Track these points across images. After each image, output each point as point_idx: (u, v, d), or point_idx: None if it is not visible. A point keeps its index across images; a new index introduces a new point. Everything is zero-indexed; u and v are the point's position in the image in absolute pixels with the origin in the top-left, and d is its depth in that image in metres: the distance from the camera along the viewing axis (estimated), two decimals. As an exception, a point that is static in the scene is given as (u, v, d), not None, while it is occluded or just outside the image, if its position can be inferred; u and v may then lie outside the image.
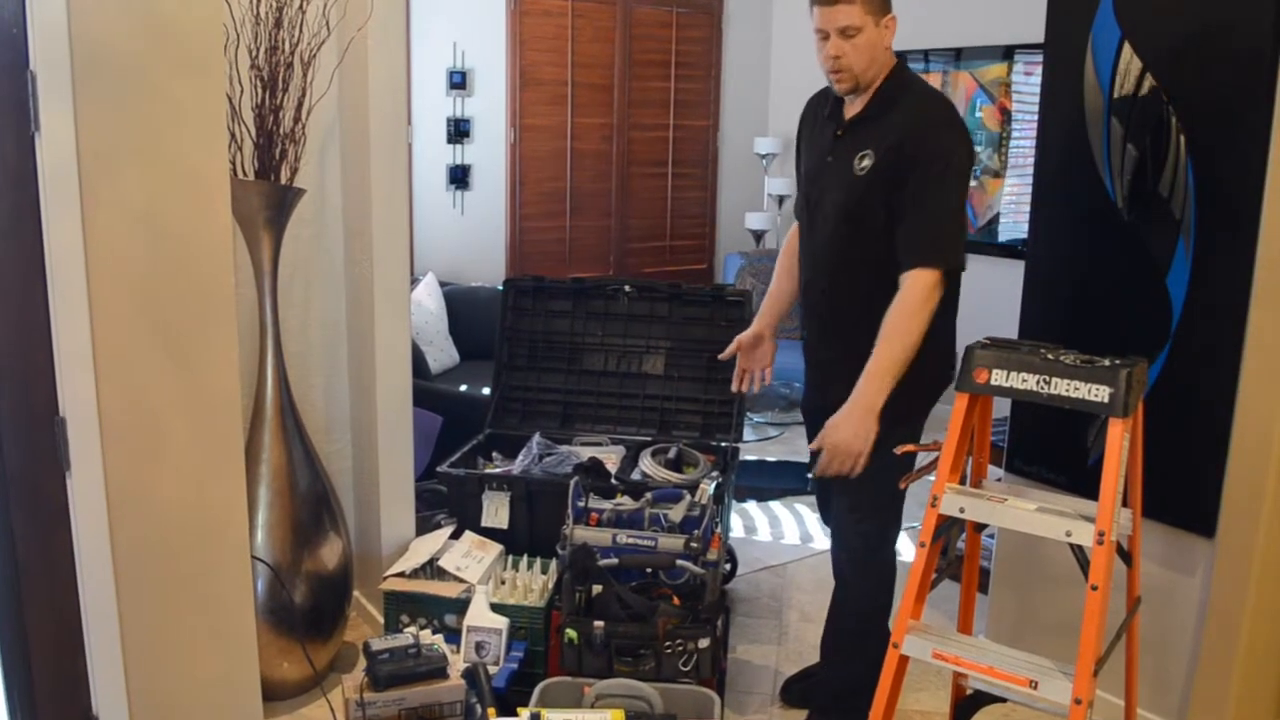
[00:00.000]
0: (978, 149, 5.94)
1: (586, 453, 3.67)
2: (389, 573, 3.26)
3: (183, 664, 2.43)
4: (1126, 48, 2.81)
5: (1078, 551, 2.36)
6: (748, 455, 5.24)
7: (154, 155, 2.21)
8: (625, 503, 3.18)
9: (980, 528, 2.70)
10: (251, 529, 2.97)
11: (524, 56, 6.36)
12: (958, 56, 6.00)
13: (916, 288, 2.58)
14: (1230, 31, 2.60)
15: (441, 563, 3.23)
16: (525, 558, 3.36)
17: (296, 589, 3.09)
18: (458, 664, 2.82)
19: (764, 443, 5.93)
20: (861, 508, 2.83)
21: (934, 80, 6.10)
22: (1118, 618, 2.51)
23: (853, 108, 2.73)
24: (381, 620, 3.29)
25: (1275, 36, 2.50)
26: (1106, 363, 2.24)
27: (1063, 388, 2.26)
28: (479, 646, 3.01)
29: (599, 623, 2.79)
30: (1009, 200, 5.87)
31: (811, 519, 4.68)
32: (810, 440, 2.89)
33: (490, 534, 3.40)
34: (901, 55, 2.71)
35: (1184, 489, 2.78)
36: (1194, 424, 2.74)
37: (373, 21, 3.13)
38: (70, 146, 2.09)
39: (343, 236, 3.49)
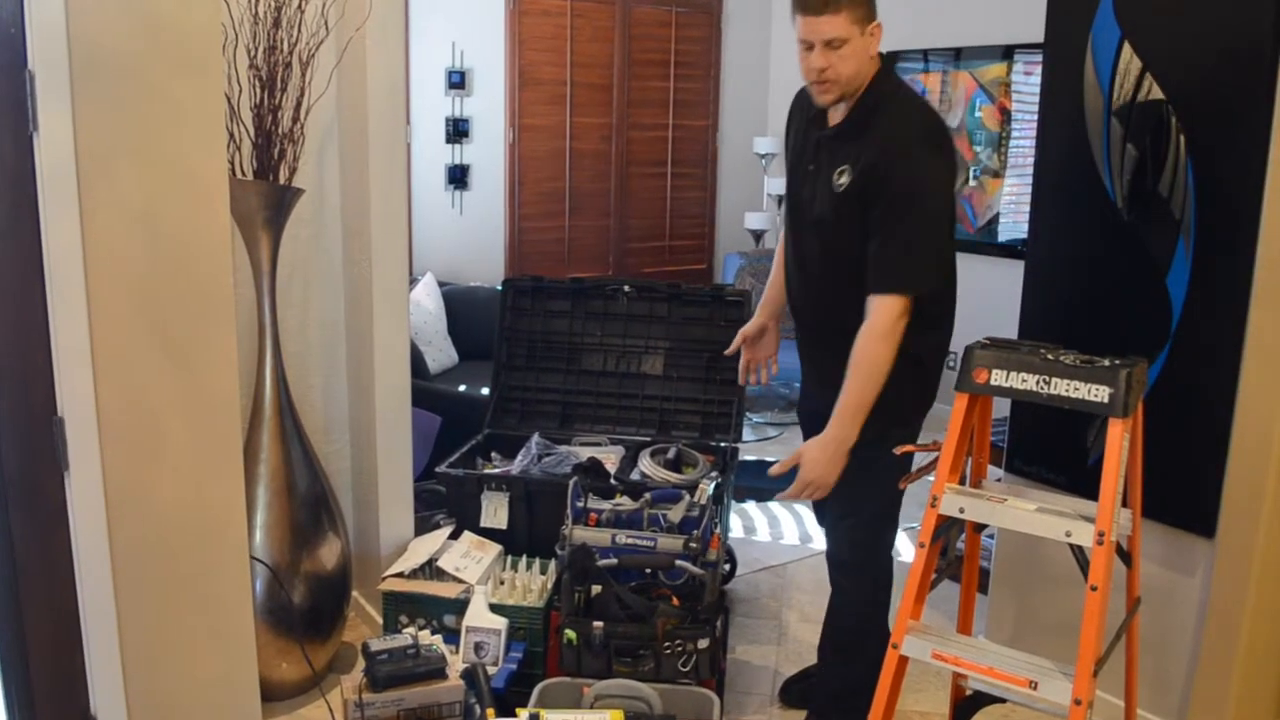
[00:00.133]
0: (977, 149, 5.94)
1: (585, 453, 3.67)
2: (388, 573, 3.26)
3: (181, 664, 2.43)
4: (1126, 48, 2.81)
5: (1077, 552, 2.36)
6: (747, 455, 5.23)
7: (152, 155, 2.20)
8: (624, 503, 3.18)
9: (980, 528, 2.69)
10: (250, 529, 2.96)
11: (523, 56, 6.36)
12: (957, 56, 5.99)
13: (882, 315, 2.56)
14: (1230, 31, 2.60)
15: (440, 563, 3.23)
16: (524, 558, 3.36)
17: (295, 589, 3.09)
18: (456, 664, 2.82)
19: (763, 443, 5.93)
20: (858, 511, 2.82)
21: (933, 80, 6.10)
22: (1117, 618, 2.50)
23: (835, 114, 2.70)
24: (380, 621, 3.28)
25: (1275, 36, 2.49)
26: (1106, 363, 2.24)
27: (1062, 388, 2.26)
28: (478, 647, 3.00)
29: (598, 623, 2.79)
30: (1009, 200, 5.87)
31: (811, 519, 4.68)
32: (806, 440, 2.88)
33: (489, 534, 3.40)
34: (891, 57, 2.70)
35: (1184, 489, 2.77)
36: (1194, 424, 2.74)
37: (371, 21, 3.13)
38: (68, 146, 2.08)
39: (341, 236, 3.49)
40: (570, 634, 2.82)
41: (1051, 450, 3.11)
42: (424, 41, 6.02)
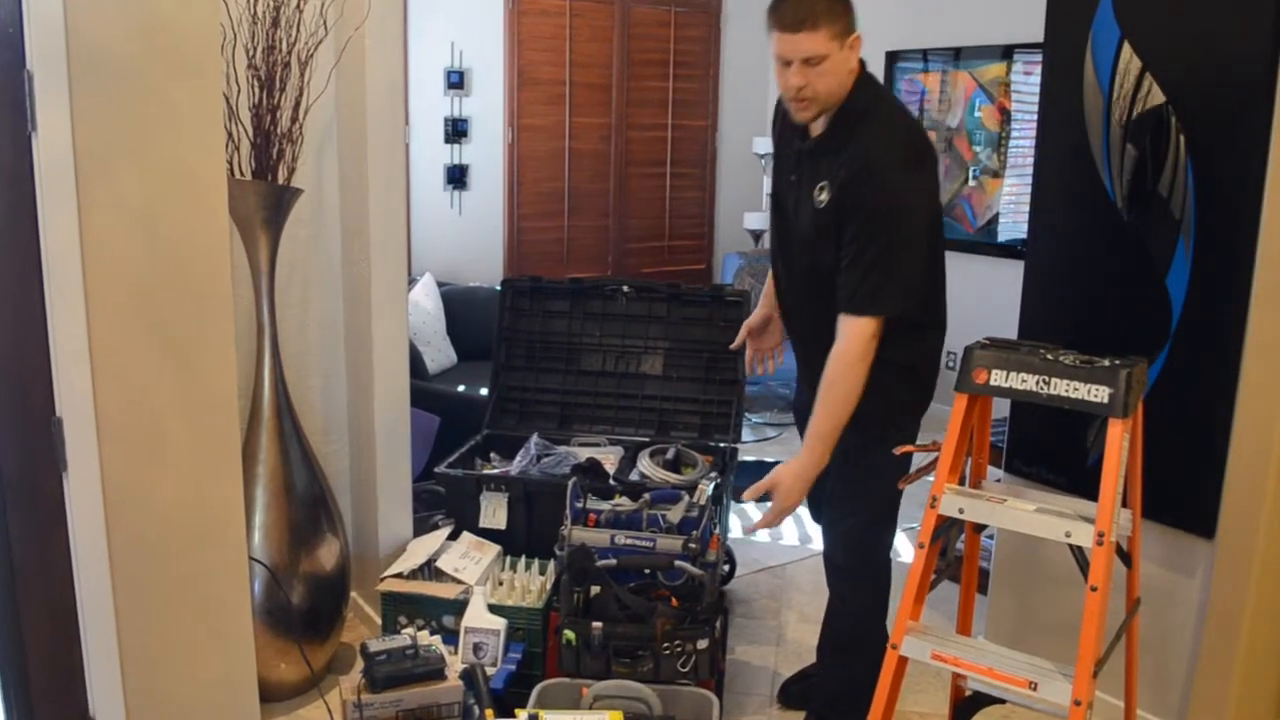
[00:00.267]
0: (977, 149, 5.93)
1: (584, 453, 3.66)
2: (386, 574, 3.25)
3: (180, 665, 2.43)
4: (1126, 47, 2.80)
5: (1077, 552, 2.36)
6: (746, 456, 5.23)
7: (151, 155, 2.20)
8: (623, 503, 3.17)
9: (979, 528, 2.69)
10: (249, 530, 2.96)
11: (522, 56, 6.36)
12: (957, 56, 5.99)
13: (853, 339, 2.55)
14: (1230, 31, 2.60)
15: (439, 564, 3.22)
16: (523, 559, 3.36)
17: (294, 590, 3.09)
18: (455, 665, 2.81)
19: (762, 443, 5.93)
20: (856, 513, 2.83)
21: (933, 80, 6.10)
22: (1117, 619, 2.50)
23: (816, 126, 2.66)
24: (379, 621, 3.28)
25: (1275, 36, 2.49)
26: (1106, 363, 2.24)
27: (1062, 388, 2.26)
28: (477, 648, 3.00)
29: (597, 624, 2.78)
30: (1008, 200, 5.87)
31: (810, 520, 4.67)
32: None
33: (488, 535, 3.40)
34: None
35: (1184, 489, 2.77)
36: (1194, 424, 2.73)
37: (370, 21, 3.13)
38: (67, 146, 2.08)
39: (340, 236, 3.48)
40: (569, 635, 2.81)
41: (1051, 451, 3.10)
42: (423, 41, 6.01)
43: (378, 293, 3.33)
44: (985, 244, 5.96)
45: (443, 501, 3.65)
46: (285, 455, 3.13)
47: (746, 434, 5.84)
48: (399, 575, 3.23)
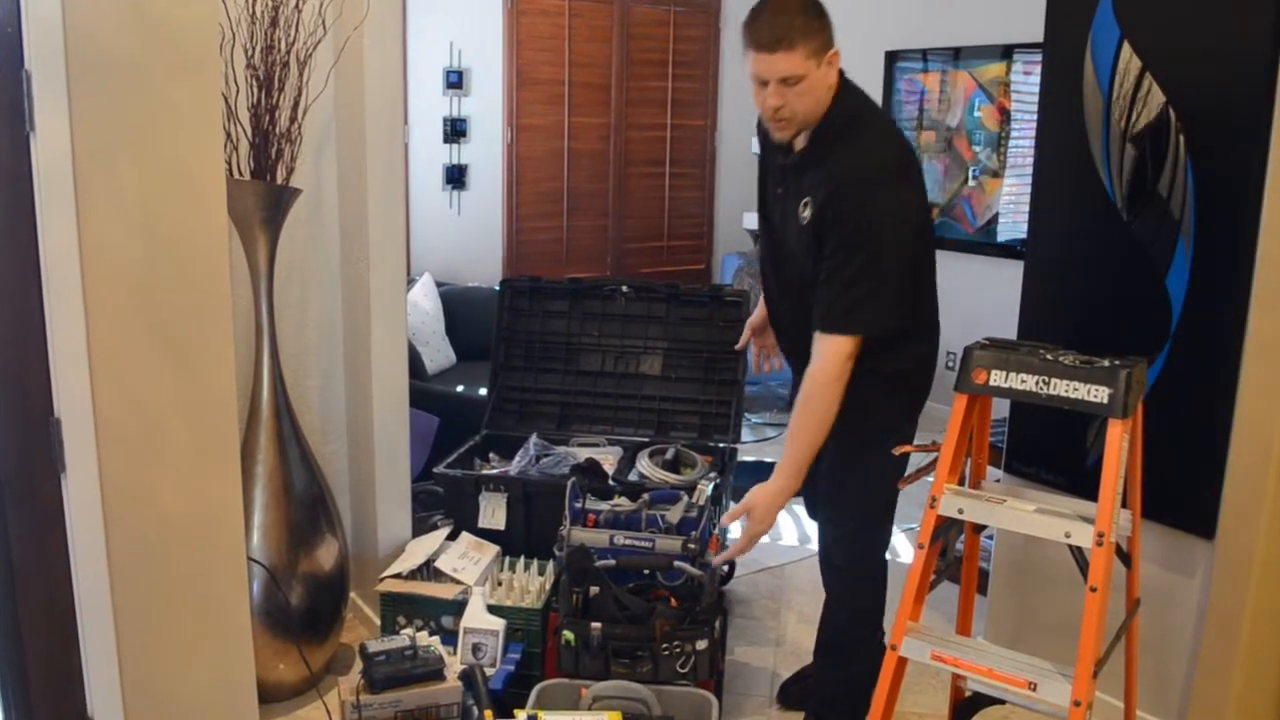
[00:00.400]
0: (977, 149, 5.93)
1: (584, 454, 3.66)
2: (385, 574, 3.25)
3: (178, 665, 2.42)
4: (1126, 47, 2.80)
5: (1077, 553, 2.36)
6: (745, 456, 5.23)
7: (149, 155, 2.20)
8: (623, 504, 3.17)
9: (979, 529, 2.69)
10: (247, 530, 2.95)
11: (521, 56, 6.36)
12: (956, 56, 5.99)
13: (828, 359, 2.54)
14: (1230, 31, 2.60)
15: (438, 564, 3.22)
16: (522, 559, 3.36)
17: (292, 590, 3.08)
18: (454, 666, 2.81)
19: (762, 443, 5.93)
20: (852, 514, 2.83)
21: (932, 80, 6.10)
22: (1117, 619, 2.50)
23: (798, 140, 2.64)
24: (378, 622, 3.28)
25: (1275, 36, 2.49)
26: (1106, 363, 2.24)
27: (1062, 388, 2.26)
28: (476, 648, 3.00)
29: (596, 624, 2.78)
30: (1008, 200, 5.86)
31: (809, 520, 4.67)
32: None
33: (487, 535, 3.39)
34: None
35: (1183, 490, 2.77)
36: (1194, 424, 2.73)
37: (369, 20, 3.12)
38: (65, 146, 2.08)
39: (339, 237, 3.48)
40: (568, 635, 2.81)
41: (1051, 451, 3.10)
42: (422, 41, 6.01)
43: (376, 293, 3.32)
44: (985, 244, 5.96)
45: (441, 502, 3.65)
46: (284, 455, 3.12)
47: (746, 434, 5.84)
48: (398, 576, 3.23)
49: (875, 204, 2.51)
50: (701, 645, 2.79)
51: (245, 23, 3.00)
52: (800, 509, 4.76)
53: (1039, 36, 3.09)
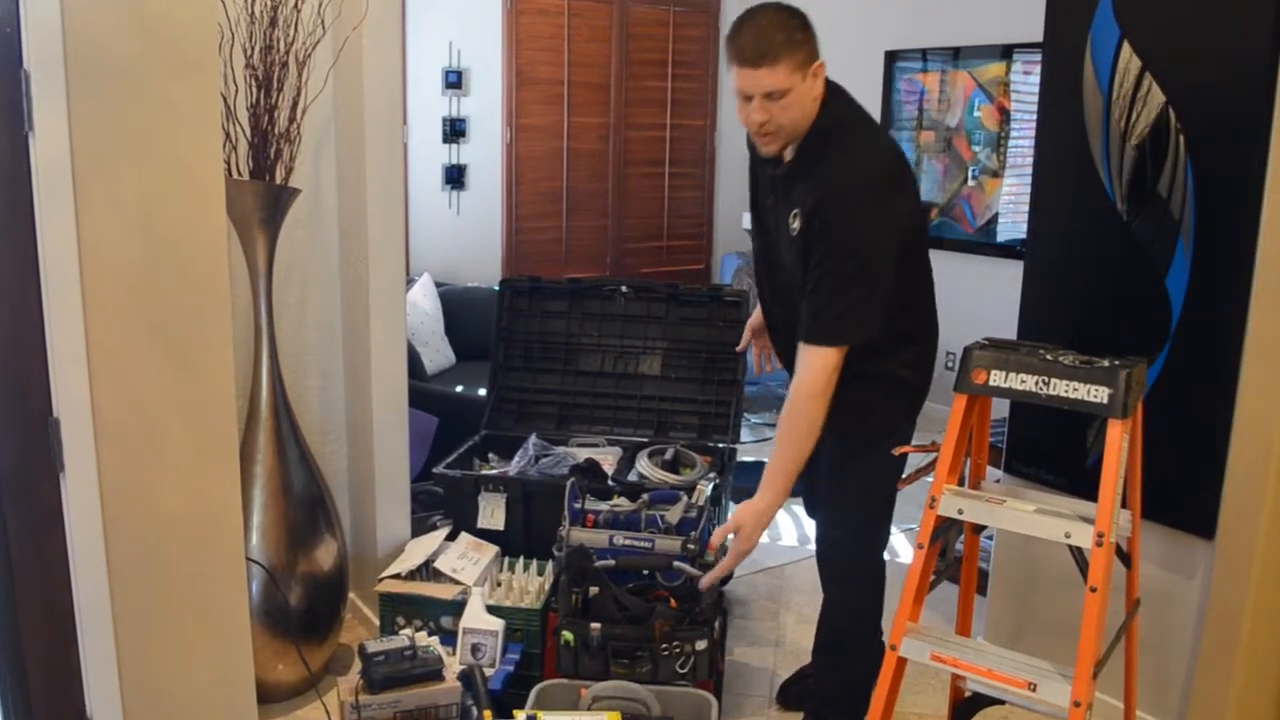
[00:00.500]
0: (976, 149, 5.93)
1: (583, 454, 3.66)
2: (384, 574, 3.25)
3: (177, 665, 2.42)
4: (1126, 47, 2.80)
5: (1077, 553, 2.35)
6: (745, 456, 5.22)
7: (148, 155, 2.20)
8: (622, 504, 3.17)
9: (979, 529, 2.69)
10: (246, 530, 2.94)
11: (520, 56, 6.36)
12: (956, 55, 5.99)
13: (813, 371, 2.52)
14: (1230, 31, 2.59)
15: (437, 564, 3.22)
16: (521, 559, 3.35)
17: (291, 591, 3.08)
18: (453, 666, 2.81)
19: (761, 443, 5.92)
20: (851, 515, 2.82)
21: (932, 80, 6.10)
22: (1117, 619, 2.50)
23: (787, 151, 2.62)
24: (377, 622, 3.27)
25: (1275, 37, 2.49)
26: (1105, 363, 2.24)
27: (1061, 389, 2.25)
28: (475, 649, 2.99)
29: (595, 625, 2.78)
30: (1008, 200, 5.86)
31: (809, 521, 4.66)
32: None
33: (486, 535, 3.39)
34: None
35: (1183, 490, 2.77)
36: (1194, 424, 2.73)
37: (368, 20, 3.12)
38: (64, 146, 2.07)
39: (338, 237, 3.48)
40: (568, 635, 2.81)
41: (1051, 451, 3.10)
42: (421, 41, 6.01)
43: (376, 293, 3.32)
44: (984, 244, 5.96)
45: (441, 502, 3.65)
46: (283, 456, 3.12)
47: (745, 434, 5.83)
48: (397, 576, 3.23)
49: (861, 215, 2.49)
50: (701, 645, 2.79)
51: (244, 22, 3.00)
52: (799, 509, 4.77)
53: (1039, 36, 3.09)
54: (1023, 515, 2.33)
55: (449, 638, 3.04)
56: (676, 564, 2.90)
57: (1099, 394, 2.20)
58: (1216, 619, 2.72)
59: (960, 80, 5.97)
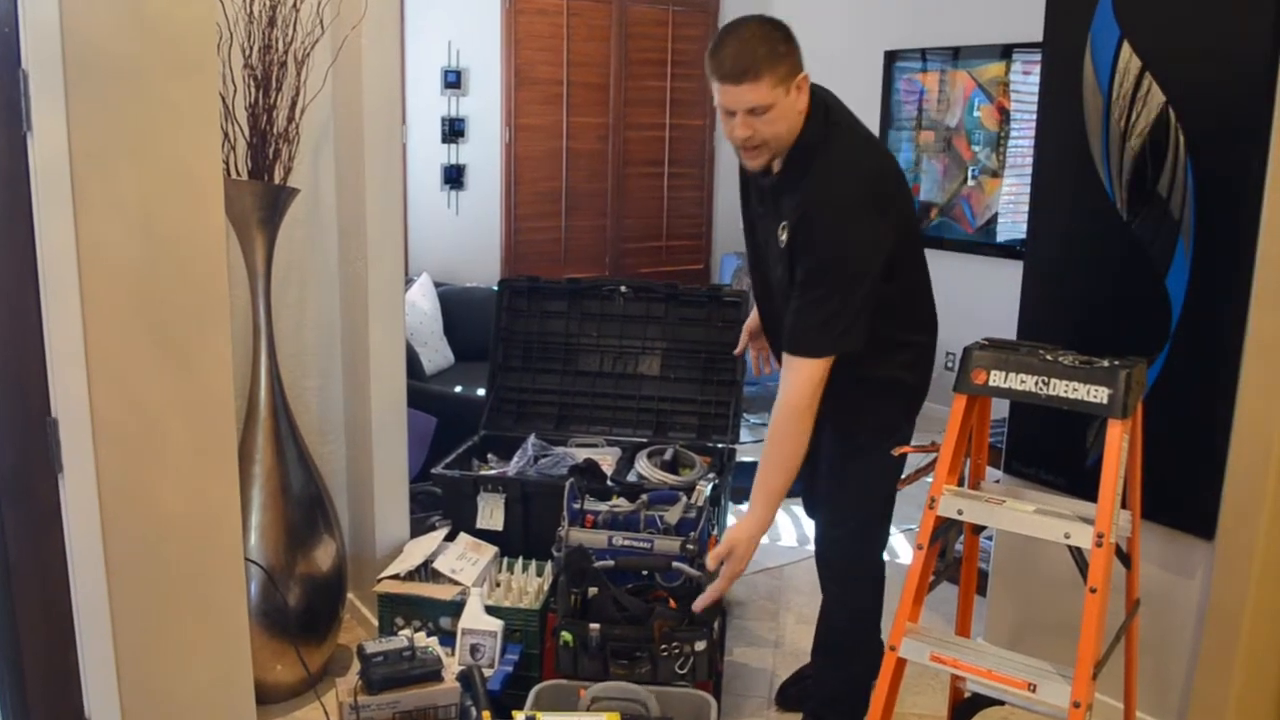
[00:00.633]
0: (976, 149, 5.93)
1: (582, 454, 3.65)
2: (383, 575, 3.24)
3: (176, 666, 2.42)
4: (1126, 47, 2.80)
5: (1076, 554, 2.35)
6: (744, 457, 5.21)
7: (147, 155, 2.19)
8: (621, 504, 3.17)
9: (978, 530, 2.69)
10: (245, 531, 2.95)
11: (519, 55, 6.35)
12: (955, 55, 5.99)
13: (798, 385, 2.52)
14: (1230, 31, 2.59)
15: (436, 565, 3.21)
16: (520, 560, 3.35)
17: (290, 591, 3.08)
18: (452, 667, 2.81)
19: (760, 444, 5.90)
20: (850, 515, 2.82)
21: (931, 79, 6.10)
22: (1117, 620, 2.50)
23: (775, 163, 2.61)
24: (376, 623, 3.27)
25: (1275, 37, 2.49)
26: (1105, 364, 2.23)
27: (1061, 389, 2.25)
28: (474, 649, 2.99)
29: (595, 625, 2.77)
30: (1007, 200, 5.86)
31: (808, 521, 4.66)
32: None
33: (485, 536, 3.39)
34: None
35: (1183, 490, 2.77)
36: (1194, 424, 2.73)
37: (367, 20, 3.11)
38: (62, 146, 2.07)
39: (337, 237, 3.47)
40: (567, 636, 2.80)
41: (1050, 452, 3.10)
42: (420, 40, 6.01)
43: (374, 293, 3.32)
44: (984, 244, 5.96)
45: (440, 502, 3.64)
46: (281, 456, 3.12)
47: (744, 434, 5.83)
48: (396, 576, 3.22)
49: (844, 228, 2.48)
50: (700, 646, 2.79)
51: (243, 22, 3.00)
52: (799, 509, 4.77)
53: (1038, 36, 3.09)
54: (1022, 516, 2.33)
55: (448, 638, 3.03)
56: (675, 564, 2.89)
57: (1099, 394, 2.20)
58: (1216, 619, 2.72)
59: (960, 80, 5.97)
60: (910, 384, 2.76)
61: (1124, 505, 2.37)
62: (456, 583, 3.16)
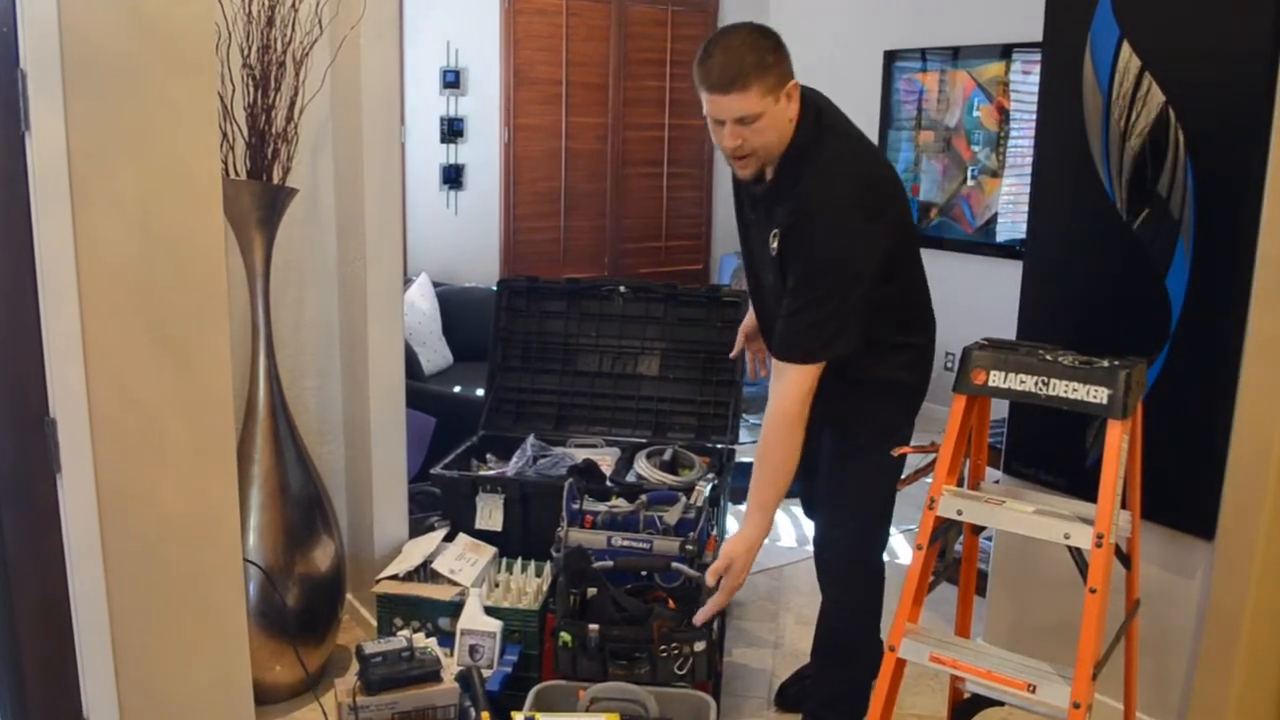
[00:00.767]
0: (975, 149, 5.93)
1: (581, 455, 3.65)
2: (382, 575, 3.24)
3: (175, 667, 2.41)
4: (1125, 47, 2.79)
5: (1076, 554, 2.35)
6: (743, 457, 5.21)
7: (145, 155, 2.19)
8: (620, 505, 3.16)
9: (978, 530, 2.68)
10: (243, 531, 2.94)
11: (518, 55, 6.35)
12: (955, 55, 5.99)
13: (789, 394, 2.51)
14: (1230, 31, 2.59)
15: (435, 565, 3.21)
16: (519, 560, 3.35)
17: (289, 592, 3.07)
18: (451, 667, 2.80)
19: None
20: (850, 516, 2.82)
21: (931, 79, 6.09)
22: (1117, 620, 2.49)
23: (767, 170, 2.60)
24: (374, 623, 3.26)
25: (1275, 36, 2.48)
26: (1105, 364, 2.23)
27: (1061, 389, 2.25)
28: (473, 650, 2.99)
29: (594, 626, 2.77)
30: (1007, 200, 5.86)
31: (807, 522, 4.66)
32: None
33: (484, 536, 3.38)
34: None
35: (1183, 491, 2.76)
36: (1194, 424, 2.72)
37: (366, 20, 3.11)
38: (61, 146, 2.07)
39: (335, 236, 3.47)
40: (566, 637, 2.80)
41: (1050, 452, 3.09)
42: (418, 40, 6.00)
43: (373, 293, 3.31)
44: (984, 244, 5.96)
45: (438, 503, 3.64)
46: (280, 456, 3.11)
47: (744, 435, 5.81)
48: (394, 577, 3.22)
49: (834, 236, 2.48)
50: (699, 647, 2.79)
51: (241, 22, 2.99)
52: (798, 509, 4.76)
53: (1038, 36, 3.09)
54: (1022, 516, 2.33)
55: (447, 639, 3.03)
56: (675, 565, 2.89)
57: (1099, 394, 2.20)
58: (1216, 619, 2.71)
59: (959, 80, 5.97)
60: (909, 384, 2.76)
61: (1124, 505, 2.37)
62: (455, 583, 3.16)
